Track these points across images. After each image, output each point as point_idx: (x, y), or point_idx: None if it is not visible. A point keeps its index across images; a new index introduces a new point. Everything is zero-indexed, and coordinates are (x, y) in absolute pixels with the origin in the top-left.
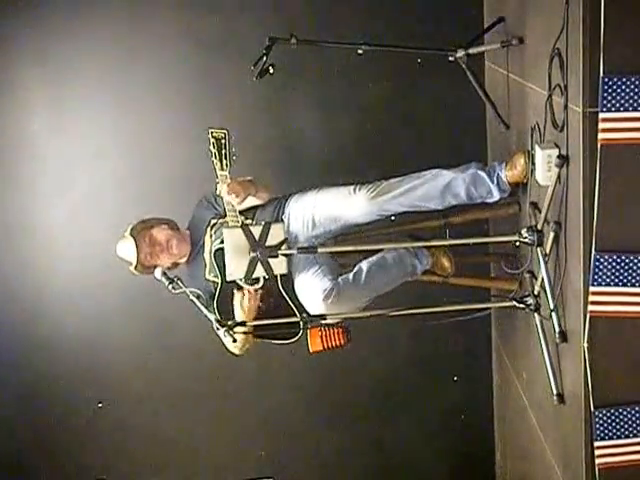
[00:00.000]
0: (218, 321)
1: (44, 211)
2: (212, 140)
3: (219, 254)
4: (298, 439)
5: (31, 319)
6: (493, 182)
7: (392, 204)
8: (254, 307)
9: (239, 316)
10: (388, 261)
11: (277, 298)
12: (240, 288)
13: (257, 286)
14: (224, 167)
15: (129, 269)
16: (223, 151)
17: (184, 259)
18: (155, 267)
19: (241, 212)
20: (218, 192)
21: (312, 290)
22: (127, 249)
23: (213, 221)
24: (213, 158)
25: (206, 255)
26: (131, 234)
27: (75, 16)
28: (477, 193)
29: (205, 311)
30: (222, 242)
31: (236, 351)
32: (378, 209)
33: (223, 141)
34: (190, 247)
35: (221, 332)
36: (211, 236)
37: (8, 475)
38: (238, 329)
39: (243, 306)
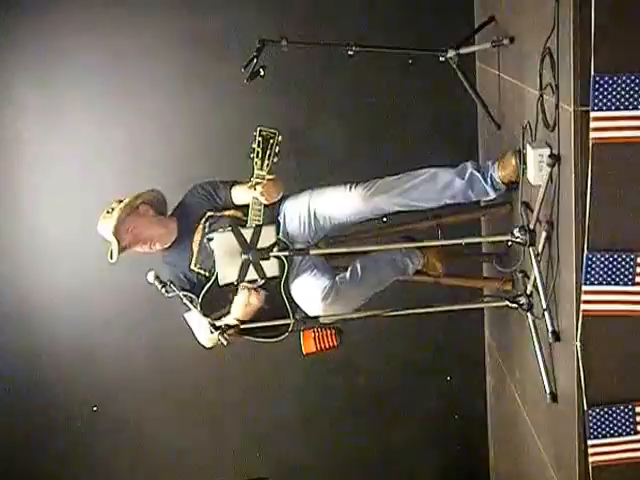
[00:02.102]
0: (212, 324)
1: (39, 215)
2: (259, 139)
3: None
4: (294, 440)
5: (26, 324)
6: (487, 182)
7: (388, 204)
8: (257, 308)
9: (237, 314)
10: (380, 259)
11: (273, 298)
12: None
13: (256, 284)
14: (264, 167)
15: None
16: (267, 152)
17: (166, 246)
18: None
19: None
20: (249, 186)
21: (311, 290)
22: (107, 233)
23: (209, 213)
24: (254, 156)
25: (194, 246)
26: (113, 234)
27: (71, 15)
28: (473, 193)
29: (199, 313)
30: None
31: (208, 344)
32: (373, 208)
33: (271, 142)
34: (174, 236)
35: (214, 334)
36: (204, 228)
37: (4, 478)
38: (231, 330)
39: (248, 305)
